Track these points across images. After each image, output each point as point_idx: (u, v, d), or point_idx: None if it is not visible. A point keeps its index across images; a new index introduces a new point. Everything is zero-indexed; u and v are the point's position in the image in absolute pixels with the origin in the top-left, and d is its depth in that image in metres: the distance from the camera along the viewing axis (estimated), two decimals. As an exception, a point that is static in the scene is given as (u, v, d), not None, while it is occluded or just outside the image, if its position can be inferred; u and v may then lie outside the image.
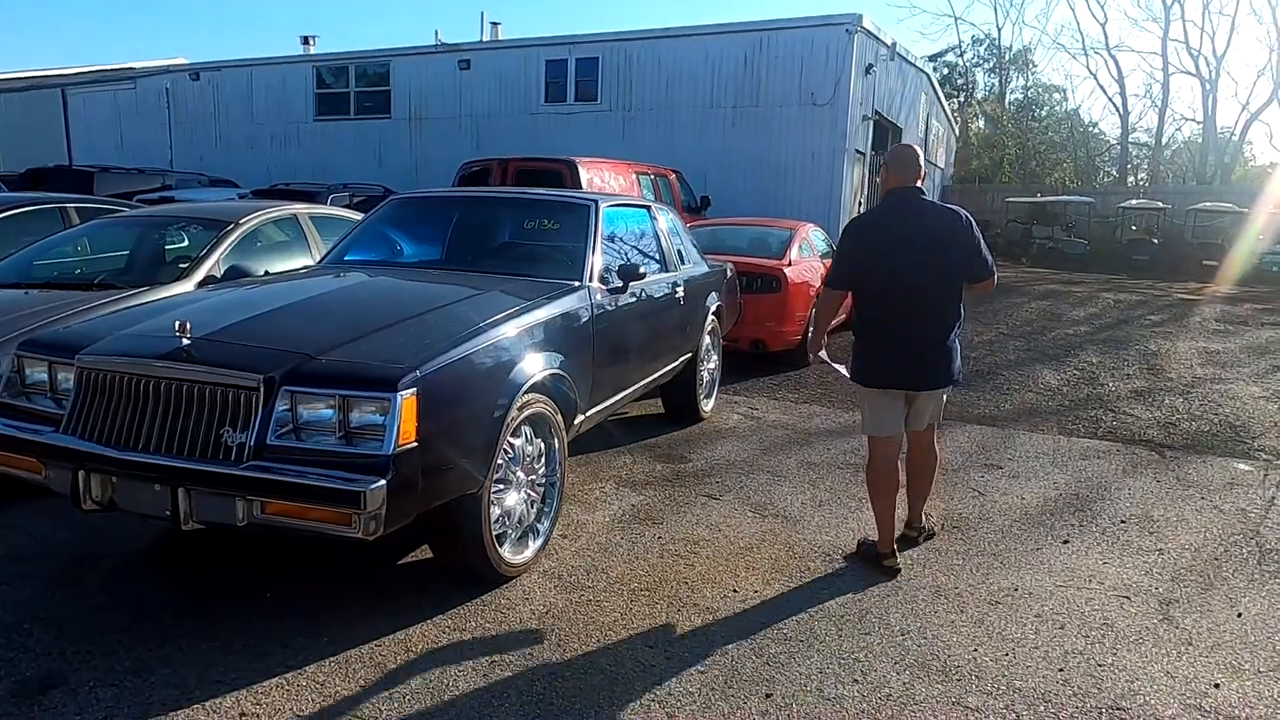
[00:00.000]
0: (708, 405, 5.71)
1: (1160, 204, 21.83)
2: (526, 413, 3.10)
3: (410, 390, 2.46)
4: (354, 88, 18.84)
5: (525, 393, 3.04)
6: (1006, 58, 36.67)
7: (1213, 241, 19.64)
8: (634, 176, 10.40)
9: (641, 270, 3.95)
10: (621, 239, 4.38)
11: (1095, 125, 39.76)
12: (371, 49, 18.72)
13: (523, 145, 14.62)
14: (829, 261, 9.15)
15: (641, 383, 4.44)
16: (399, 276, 3.73)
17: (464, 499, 2.80)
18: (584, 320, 3.57)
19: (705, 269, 5.55)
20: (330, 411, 2.48)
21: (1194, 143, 33.00)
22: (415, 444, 2.47)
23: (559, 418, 3.35)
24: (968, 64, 37.37)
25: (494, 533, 3.01)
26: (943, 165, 26.33)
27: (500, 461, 3.01)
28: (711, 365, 5.73)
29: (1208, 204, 21.08)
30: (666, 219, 5.16)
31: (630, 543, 3.59)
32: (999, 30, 45.55)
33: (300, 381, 2.50)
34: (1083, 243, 21.13)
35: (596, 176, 9.35)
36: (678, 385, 5.30)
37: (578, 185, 8.74)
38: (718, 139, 14.91)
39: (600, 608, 3.00)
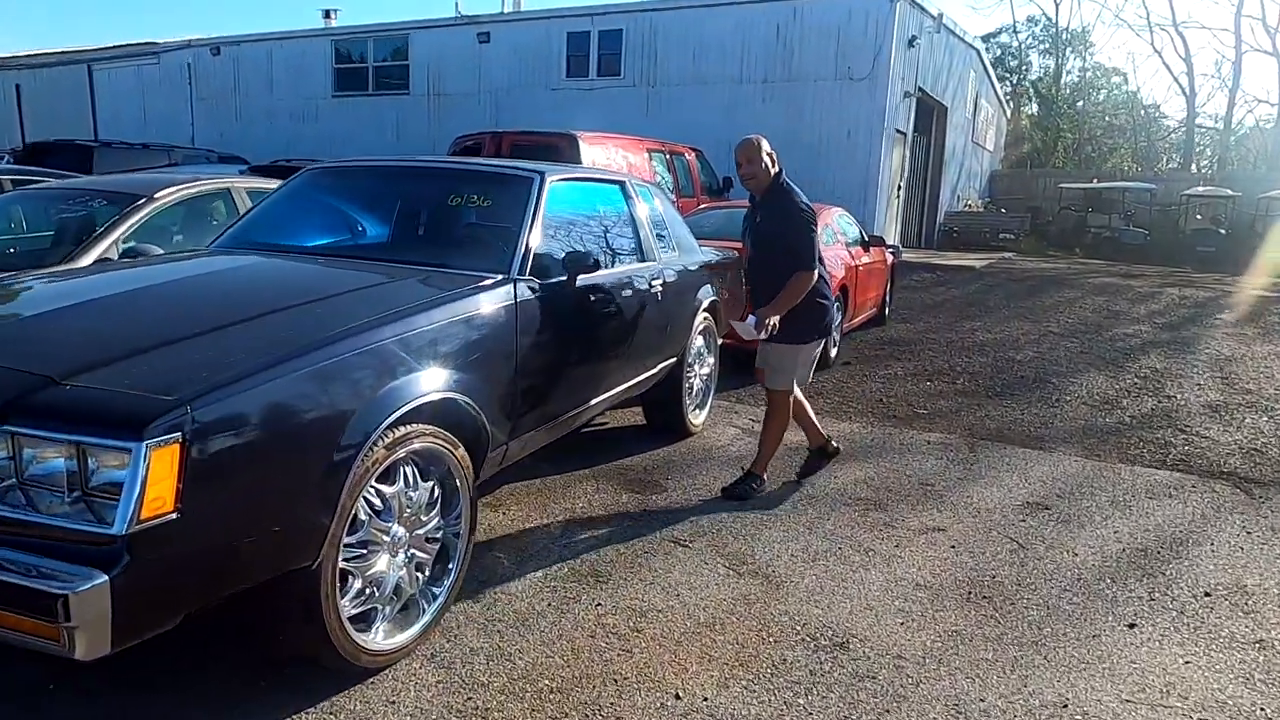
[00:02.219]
0: (698, 417, 4.88)
1: (1228, 191, 20.24)
2: (404, 450, 2.32)
3: (167, 437, 1.67)
4: (372, 63, 18.22)
5: (395, 425, 2.25)
6: (1064, 37, 34.77)
7: (1287, 232, 18.12)
8: (646, 154, 9.54)
9: (594, 260, 3.12)
10: (578, 222, 3.55)
11: (1157, 108, 37.65)
12: (390, 22, 18.03)
13: (543, 121, 13.82)
14: (856, 249, 8.23)
15: (602, 396, 3.63)
16: (276, 266, 2.95)
17: (291, 576, 2.03)
18: (503, 324, 2.76)
19: (698, 258, 4.70)
20: (63, 462, 1.72)
21: (1265, 127, 30.89)
22: (175, 515, 1.69)
23: (460, 452, 2.56)
24: (1022, 44, 35.54)
25: (350, 612, 2.24)
26: (991, 149, 24.90)
27: (363, 516, 2.23)
28: (704, 371, 4.89)
29: (1278, 192, 19.47)
30: (647, 199, 4.32)
31: (559, 612, 2.79)
32: (1056, 6, 43.16)
33: (27, 416, 1.74)
34: (1142, 232, 19.70)
35: (602, 153, 8.51)
36: (659, 395, 4.47)
37: (578, 162, 7.91)
38: (747, 116, 13.91)
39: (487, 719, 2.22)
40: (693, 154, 10.98)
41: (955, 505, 3.91)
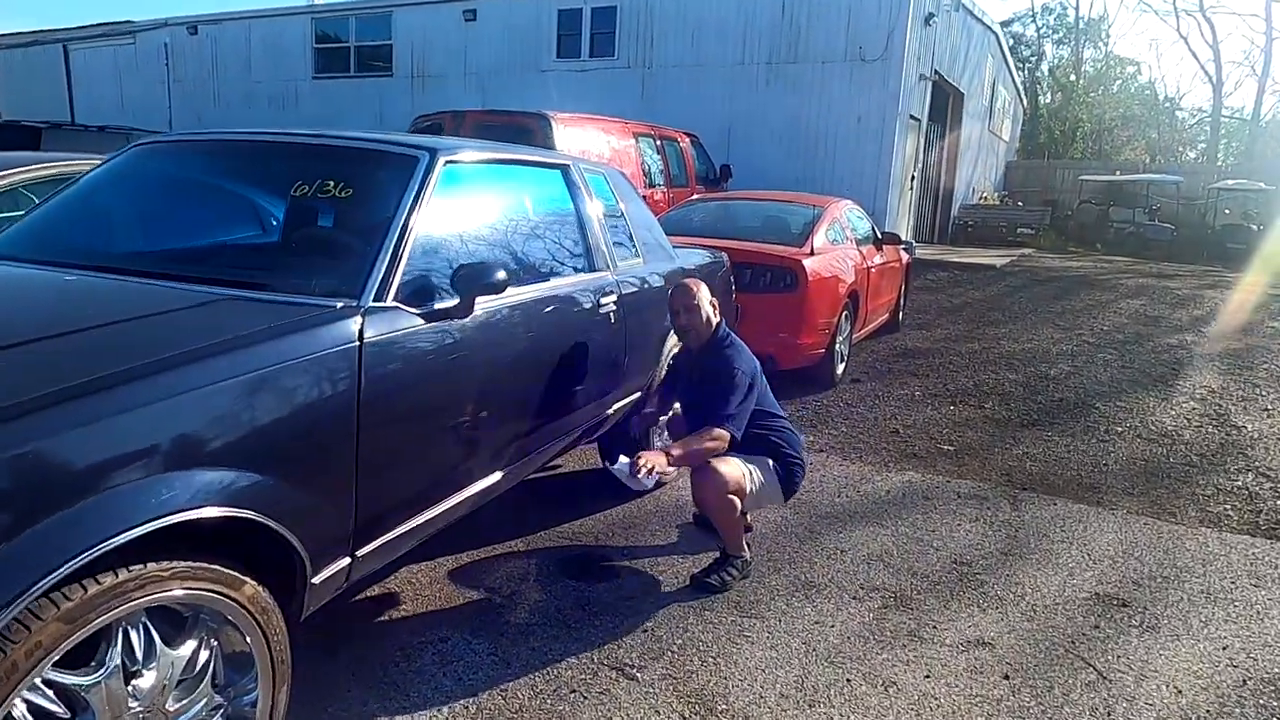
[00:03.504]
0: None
1: (1261, 185, 19.10)
2: (121, 608, 1.37)
3: None
4: (354, 43, 17.22)
5: (97, 574, 1.31)
6: (1081, 25, 33.47)
7: (1325, 229, 17.03)
8: (633, 140, 8.55)
9: (499, 276, 2.15)
10: (493, 223, 2.58)
11: (1172, 100, 36.29)
12: (372, 0, 17.01)
13: (532, 104, 12.81)
14: (868, 249, 7.23)
15: (520, 463, 2.66)
16: (21, 288, 1.98)
17: None
18: (336, 381, 1.79)
19: (670, 265, 3.72)
20: None
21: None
22: None
23: (252, 591, 1.61)
24: (1038, 31, 34.25)
25: None
26: (1008, 139, 23.78)
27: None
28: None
29: (1319, 185, 18.35)
30: (601, 190, 3.34)
31: (422, 815, 1.84)
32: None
33: None
34: (1169, 228, 18.57)
35: (580, 137, 7.52)
36: (622, 441, 3.51)
37: (551, 148, 6.93)
38: (749, 100, 12.90)
39: None
40: (687, 140, 9.98)
41: (1002, 600, 2.94)
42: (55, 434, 1.31)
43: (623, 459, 2.79)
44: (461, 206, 2.43)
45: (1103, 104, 31.28)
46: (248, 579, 1.62)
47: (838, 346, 5.99)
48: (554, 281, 2.76)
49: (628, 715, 2.21)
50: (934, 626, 2.74)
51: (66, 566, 1.27)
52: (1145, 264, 14.71)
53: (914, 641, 2.64)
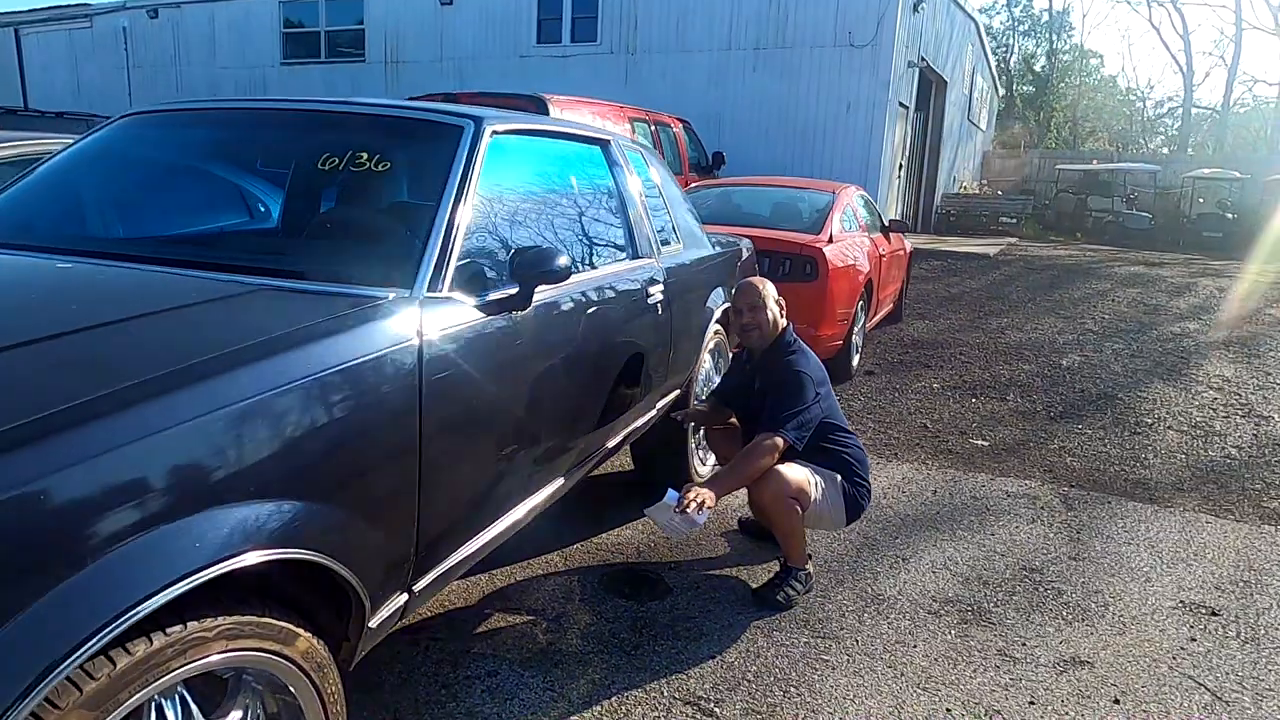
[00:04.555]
0: (705, 464, 3.65)
1: (1235, 174, 19.29)
2: (163, 680, 1.08)
3: None
4: (324, 27, 16.65)
5: (127, 643, 1.01)
6: (1044, 19, 33.74)
7: (1298, 218, 17.22)
8: (628, 124, 8.25)
9: (563, 263, 1.86)
10: (535, 202, 2.28)
11: (1136, 92, 36.82)
12: (343, -18, 16.45)
13: (512, 90, 12.44)
14: (878, 237, 7.01)
15: (585, 463, 2.39)
16: (5, 278, 1.65)
17: None
18: (397, 385, 1.49)
19: (705, 251, 3.45)
20: None
21: (1262, 107, 30.03)
22: None
23: (306, 645, 1.32)
24: (1013, 20, 34.42)
25: None
26: (985, 128, 23.81)
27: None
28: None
29: (1291, 175, 18.55)
30: (640, 169, 3.06)
31: None
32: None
33: None
34: (1146, 216, 18.68)
35: (576, 120, 7.20)
36: (657, 440, 3.24)
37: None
38: (736, 86, 12.64)
39: None
40: (680, 125, 9.70)
41: (1087, 613, 2.72)
42: (63, 469, 1.00)
43: (670, 492, 2.48)
44: (508, 183, 2.13)
45: (1073, 95, 31.55)
46: (300, 630, 1.33)
47: (854, 337, 5.77)
48: (603, 270, 2.48)
49: (714, 760, 1.95)
50: (1023, 644, 2.51)
51: (94, 640, 0.97)
52: (1131, 253, 14.73)
53: (1006, 662, 2.41)
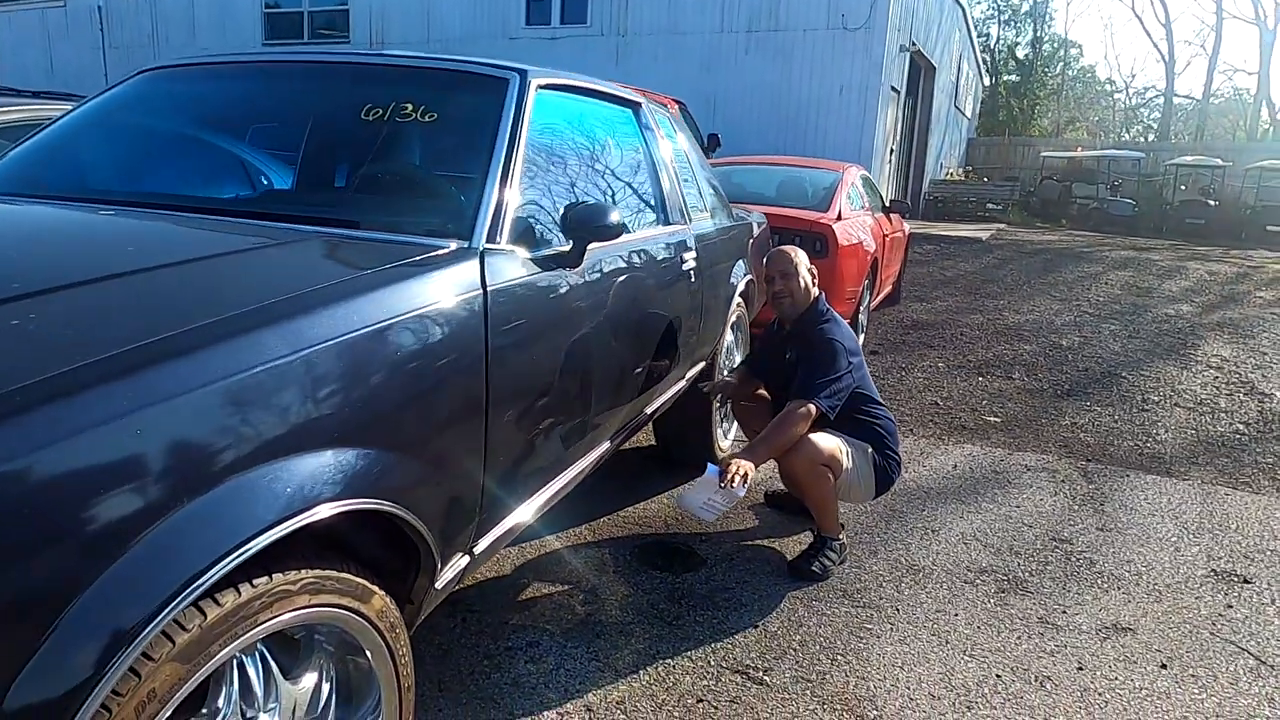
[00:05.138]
0: (727, 438, 3.61)
1: (1218, 161, 19.49)
2: (250, 634, 1.02)
3: None
4: (308, 8, 16.36)
5: (216, 594, 0.94)
6: (1024, 9, 33.90)
7: (1278, 205, 17.47)
8: (625, 103, 8.14)
9: (613, 219, 1.80)
10: (576, 159, 2.22)
11: (1113, 83, 37.16)
12: (327, -39, 16.17)
13: (498, 74, 12.26)
14: (881, 217, 6.98)
15: (617, 433, 2.33)
16: (42, 227, 1.57)
17: None
18: (465, 334, 1.43)
19: (729, 221, 3.40)
20: None
21: (1239, 97, 30.37)
22: None
23: (379, 603, 1.26)
24: (997, 9, 34.50)
25: None
26: (969, 115, 23.89)
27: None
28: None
29: (1272, 161, 18.78)
30: (670, 134, 3.00)
31: None
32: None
33: None
34: (1130, 203, 18.84)
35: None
36: (681, 414, 3.19)
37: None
38: (729, 69, 12.56)
39: None
40: (676, 107, 9.60)
41: (1121, 580, 2.71)
42: (156, 402, 0.93)
43: (711, 467, 2.43)
44: (552, 140, 2.06)
45: (1054, 83, 31.73)
46: (376, 588, 1.27)
47: (860, 316, 5.75)
48: (641, 233, 2.42)
49: (770, 727, 1.91)
50: (1063, 611, 2.49)
51: (196, 585, 0.91)
52: (1118, 238, 14.86)
53: (1049, 629, 2.39)
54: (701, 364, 3.14)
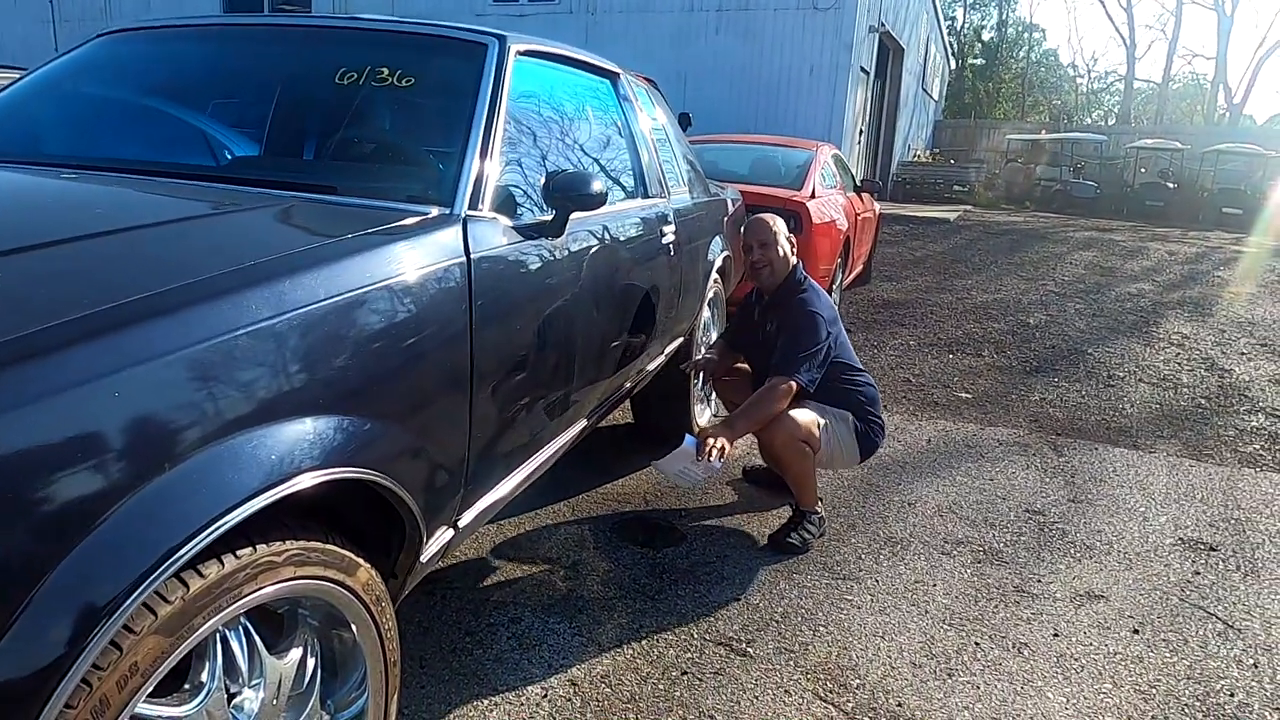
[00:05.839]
0: (704, 414, 3.61)
1: (1177, 144, 19.86)
2: (234, 606, 0.99)
3: None
4: (267, -20, 15.92)
5: (198, 565, 0.91)
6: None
7: (1234, 187, 17.86)
8: (596, 81, 8.04)
9: (597, 188, 1.77)
10: (556, 128, 2.17)
11: (1074, 67, 37.76)
12: (287, -67, 15.73)
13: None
14: (852, 197, 7.00)
15: (599, 405, 2.31)
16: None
17: None
18: (448, 301, 1.40)
19: (707, 196, 3.38)
20: None
21: (1197, 81, 30.98)
22: None
23: (365, 576, 1.23)
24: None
25: None
26: (937, 98, 24.05)
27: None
28: (710, 353, 3.60)
29: (1228, 146, 19.19)
30: (648, 105, 2.96)
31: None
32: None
33: None
34: (1092, 185, 19.14)
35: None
36: (660, 389, 3.18)
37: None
38: (699, 48, 12.48)
39: None
40: (647, 84, 9.52)
41: (1093, 549, 2.77)
42: (129, 365, 0.89)
43: (688, 438, 2.43)
44: (531, 107, 2.02)
45: (1019, 66, 32.08)
46: (361, 561, 1.24)
47: (833, 295, 5.77)
48: (620, 205, 2.38)
49: (755, 698, 1.91)
50: (1038, 580, 2.53)
51: (177, 557, 0.87)
52: (1081, 219, 15.10)
53: (1025, 598, 2.43)
54: (680, 340, 3.12)
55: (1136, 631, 2.28)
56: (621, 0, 12.93)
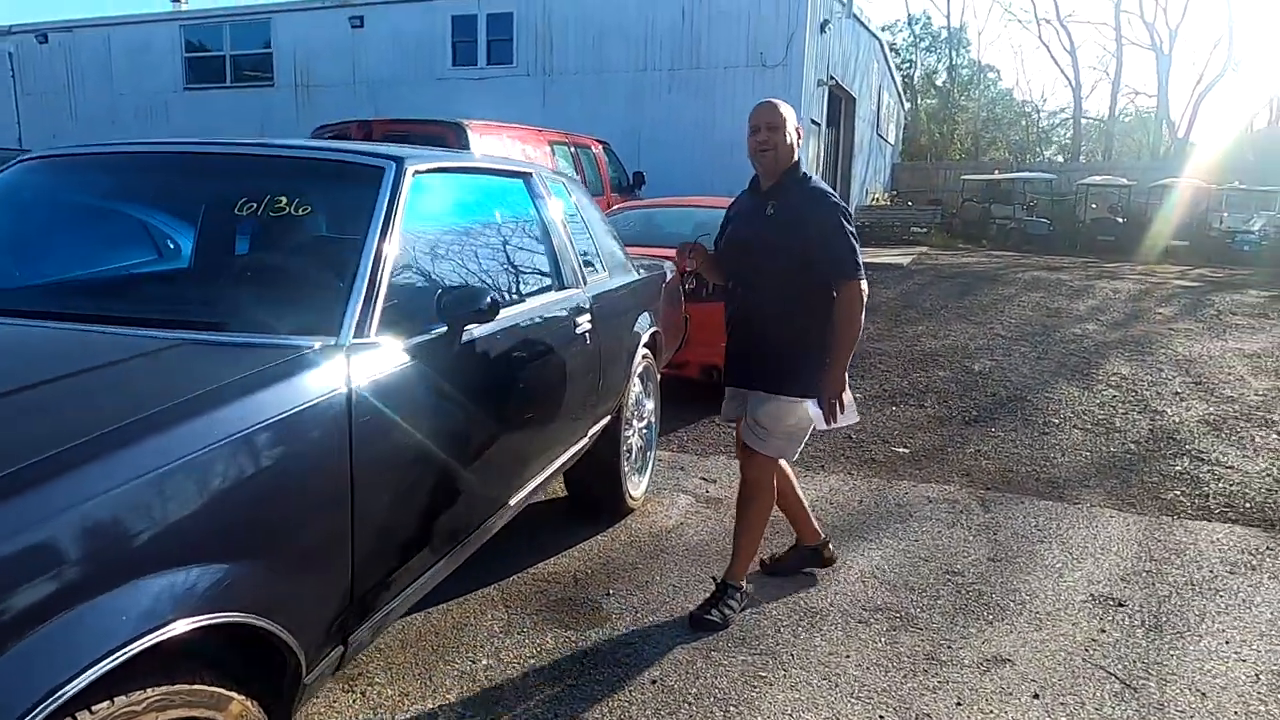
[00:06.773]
0: (638, 487, 3.69)
1: (1124, 180, 20.54)
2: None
3: None
4: (229, 51, 16.21)
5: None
6: (947, 34, 35.48)
7: (1179, 221, 18.49)
8: (548, 147, 8.29)
9: (490, 299, 1.88)
10: (461, 239, 2.29)
11: (1030, 104, 39.13)
12: (247, 5, 16.08)
13: (428, 114, 12.31)
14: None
15: (510, 503, 2.39)
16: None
17: None
18: (326, 436, 1.49)
19: (630, 276, 3.51)
20: None
21: (1144, 117, 32.14)
22: None
23: (237, 709, 1.29)
24: (915, 37, 36.03)
25: None
26: (893, 141, 24.76)
27: None
28: (644, 424, 3.71)
29: (1171, 180, 19.88)
30: (562, 197, 3.10)
31: None
32: (948, 2, 43.99)
33: None
34: (1045, 222, 19.70)
35: (496, 145, 7.21)
36: (590, 467, 3.26)
37: (468, 156, 6.58)
38: (653, 107, 12.85)
39: None
40: (599, 147, 9.79)
41: (1006, 611, 2.86)
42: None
43: (811, 407, 2.62)
44: (432, 222, 2.14)
45: (973, 107, 33.16)
46: (234, 694, 1.30)
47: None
48: (530, 303, 2.50)
49: (660, 786, 1.97)
50: (949, 647, 2.62)
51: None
52: (1031, 257, 15.49)
53: (934, 665, 2.51)
54: (608, 417, 3.22)
55: (1037, 696, 2.37)
56: (576, 61, 13.30)
